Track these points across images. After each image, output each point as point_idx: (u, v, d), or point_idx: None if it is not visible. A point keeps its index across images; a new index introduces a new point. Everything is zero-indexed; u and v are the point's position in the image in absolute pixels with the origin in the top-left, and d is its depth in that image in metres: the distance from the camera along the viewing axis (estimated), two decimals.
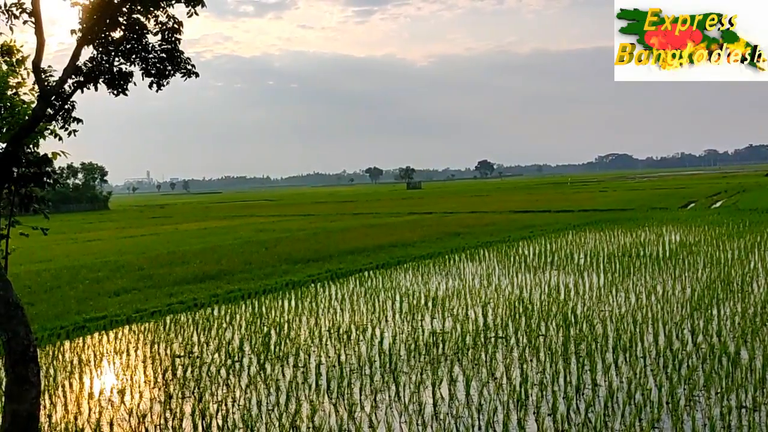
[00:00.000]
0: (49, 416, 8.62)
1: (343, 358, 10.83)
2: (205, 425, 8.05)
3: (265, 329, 13.18)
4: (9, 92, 7.36)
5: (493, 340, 11.47)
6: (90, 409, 8.88)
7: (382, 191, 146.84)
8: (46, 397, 9.24)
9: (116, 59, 8.03)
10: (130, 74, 8.21)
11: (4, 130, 7.43)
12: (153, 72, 8.26)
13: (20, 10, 7.05)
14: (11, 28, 7.10)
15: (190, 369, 10.53)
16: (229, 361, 10.89)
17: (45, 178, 7.29)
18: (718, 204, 48.32)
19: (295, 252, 26.03)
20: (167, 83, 8.49)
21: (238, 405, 8.79)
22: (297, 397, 8.99)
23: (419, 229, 34.26)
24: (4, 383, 9.64)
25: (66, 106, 7.82)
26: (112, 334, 13.38)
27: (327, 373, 9.96)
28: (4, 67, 7.47)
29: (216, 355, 11.38)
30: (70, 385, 10.15)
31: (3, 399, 7.64)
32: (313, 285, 18.83)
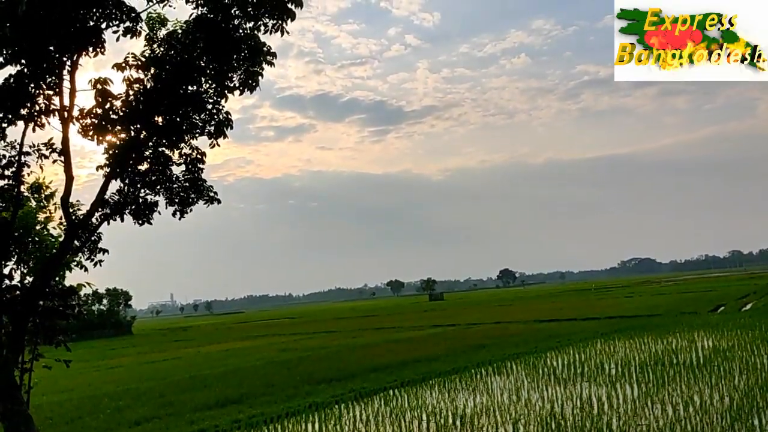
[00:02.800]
0: None
1: None
2: None
3: None
4: (38, 227, 7.62)
5: None
6: None
7: (404, 304, 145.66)
8: None
9: (142, 190, 8.37)
10: (155, 204, 8.53)
11: (31, 264, 7.63)
12: (177, 201, 8.58)
13: (50, 150, 7.46)
14: (41, 167, 7.48)
15: None
16: None
17: (69, 311, 7.38)
18: (748, 306, 47.09)
19: (318, 371, 25.51)
20: (190, 210, 8.78)
21: None
22: None
23: (443, 343, 33.63)
24: None
25: (93, 238, 8.07)
26: None
27: None
28: (33, 203, 7.78)
29: None
30: None
31: None
32: (336, 406, 18.29)
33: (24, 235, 7.35)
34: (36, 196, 7.72)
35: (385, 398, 18.87)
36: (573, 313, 50.21)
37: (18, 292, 7.12)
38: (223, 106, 8.14)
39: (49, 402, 21.71)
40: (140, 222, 8.49)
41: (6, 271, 7.19)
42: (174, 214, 8.64)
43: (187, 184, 8.63)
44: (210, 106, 8.12)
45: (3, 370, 7.16)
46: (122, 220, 8.27)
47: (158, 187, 8.51)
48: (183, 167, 8.66)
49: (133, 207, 8.31)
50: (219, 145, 8.18)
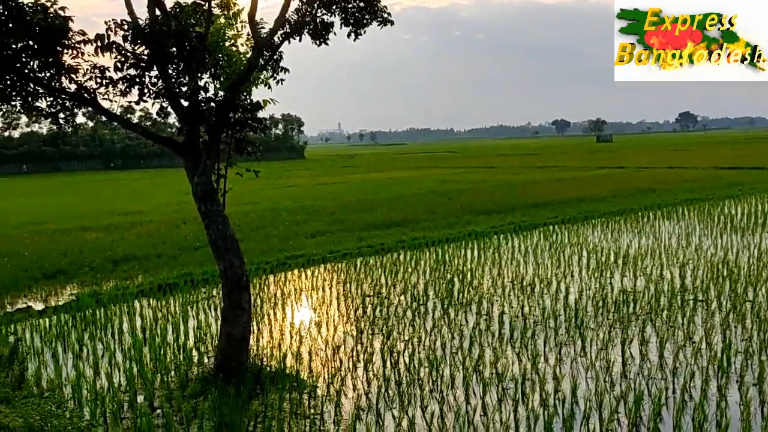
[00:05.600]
0: (257, 341, 9.58)
1: (526, 309, 10.76)
2: (393, 361, 8.47)
3: (449, 276, 13.44)
4: (227, 43, 8.03)
5: (691, 302, 10.68)
6: (291, 338, 9.72)
7: (569, 144, 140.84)
8: (254, 323, 10.23)
9: (319, 10, 8.42)
10: (331, 24, 8.58)
11: (222, 79, 8.15)
12: (351, 21, 8.56)
13: None
14: None
15: (378, 308, 11.09)
16: (414, 304, 11.29)
17: (256, 124, 7.91)
18: None
19: (478, 203, 26.06)
20: (364, 32, 8.76)
21: (424, 345, 9.12)
22: (480, 344, 9.11)
23: (609, 184, 32.56)
24: (221, 309, 10.87)
25: (275, 57, 8.39)
26: (309, 272, 14.45)
27: (510, 323, 9.97)
28: (222, 20, 8.13)
29: (402, 297, 11.85)
30: (274, 314, 11.18)
31: (220, 322, 8.61)
32: (495, 236, 18.77)
33: (215, 51, 7.83)
34: (225, 12, 8.07)
35: (544, 233, 19.00)
36: (761, 162, 45.83)
37: (212, 104, 7.74)
38: None
39: (237, 212, 24.28)
40: (317, 42, 8.65)
41: (201, 83, 7.82)
42: (349, 35, 8.68)
43: (362, 3, 8.52)
44: None
45: (203, 175, 8.02)
46: (300, 39, 8.48)
47: (334, 6, 8.49)
48: None
49: (311, 27, 8.43)
50: None
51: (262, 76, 8.28)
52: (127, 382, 7.94)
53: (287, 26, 8.26)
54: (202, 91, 7.63)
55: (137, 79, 7.07)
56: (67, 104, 7.17)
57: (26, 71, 6.78)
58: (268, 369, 8.28)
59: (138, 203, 30.22)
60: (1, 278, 13.51)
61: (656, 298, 10.91)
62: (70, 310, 11.34)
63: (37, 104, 7.17)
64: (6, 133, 79.70)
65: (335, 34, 8.70)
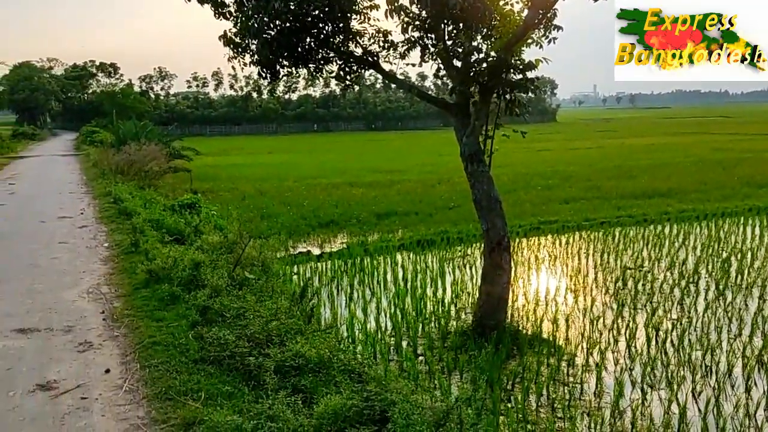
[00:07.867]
0: (512, 302, 9.60)
1: None
2: (659, 340, 7.92)
3: (724, 254, 12.15)
4: (501, 3, 7.95)
5: None
6: (546, 303, 9.58)
7: None
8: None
9: None
10: None
11: (494, 39, 8.12)
12: None
13: None
14: None
15: (641, 283, 10.43)
16: (682, 282, 10.40)
17: (528, 84, 7.79)
18: None
19: (760, 175, 23.16)
20: None
21: (695, 327, 8.38)
22: (764, 333, 8.12)
23: None
24: (476, 267, 11.14)
25: (548, 15, 8.13)
26: (563, 239, 14.08)
27: None
28: None
29: (668, 274, 11.00)
30: (528, 278, 11.11)
31: (478, 280, 8.81)
32: None
33: (491, 11, 7.79)
34: None
35: None
36: None
37: (485, 65, 7.78)
38: None
39: None
40: None
41: (475, 44, 7.89)
42: None
43: None
44: None
45: (471, 135, 8.16)
46: None
47: None
48: None
49: None
50: None
51: (534, 36, 8.08)
52: (392, 327, 8.54)
53: None
54: (475, 52, 7.70)
55: (419, 41, 7.36)
56: (354, 67, 7.74)
57: (322, 36, 7.44)
58: (525, 332, 8.29)
59: (397, 162, 31.96)
60: (286, 224, 15.32)
61: None
62: (342, 257, 12.48)
63: (328, 67, 7.84)
64: (286, 96, 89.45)
65: None
